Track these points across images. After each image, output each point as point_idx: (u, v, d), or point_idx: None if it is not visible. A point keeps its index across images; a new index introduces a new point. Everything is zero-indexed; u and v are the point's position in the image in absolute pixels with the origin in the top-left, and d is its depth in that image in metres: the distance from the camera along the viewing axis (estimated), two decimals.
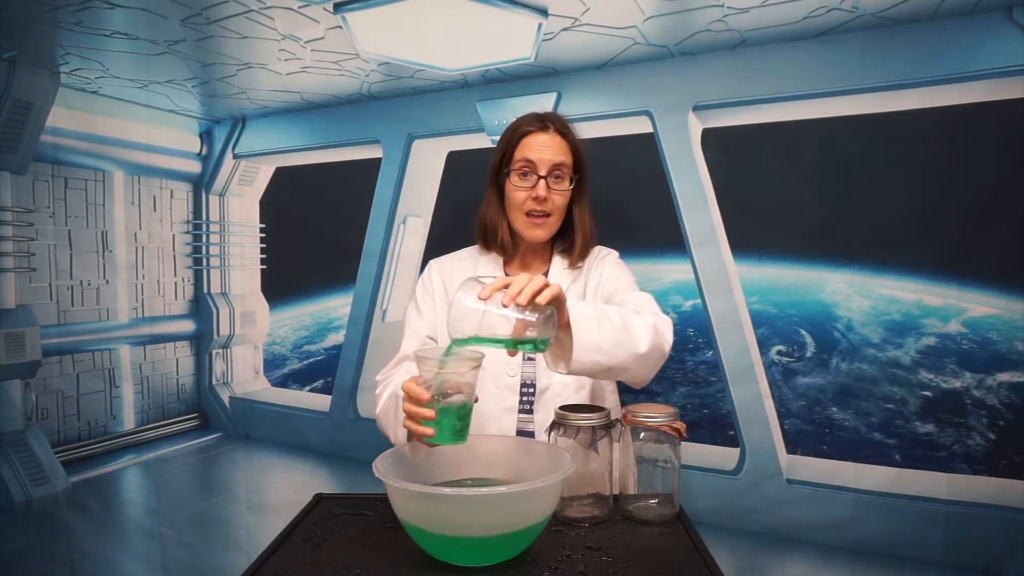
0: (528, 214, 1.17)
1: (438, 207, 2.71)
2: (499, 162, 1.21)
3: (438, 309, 1.23)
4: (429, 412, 0.87)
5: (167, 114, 3.01)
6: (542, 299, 0.85)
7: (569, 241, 1.26)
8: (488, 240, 1.25)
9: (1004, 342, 1.82)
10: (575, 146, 1.21)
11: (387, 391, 1.09)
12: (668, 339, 1.04)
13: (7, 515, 2.34)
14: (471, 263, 1.27)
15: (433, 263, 1.30)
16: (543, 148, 1.16)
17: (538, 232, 1.19)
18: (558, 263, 1.26)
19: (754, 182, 2.10)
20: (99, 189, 2.94)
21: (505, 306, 0.85)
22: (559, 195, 1.17)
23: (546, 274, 1.25)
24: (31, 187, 2.66)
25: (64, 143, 2.67)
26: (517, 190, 1.17)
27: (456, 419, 0.89)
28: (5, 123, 2.34)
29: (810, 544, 1.99)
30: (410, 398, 0.89)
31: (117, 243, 3.00)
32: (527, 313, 0.86)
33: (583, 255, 1.25)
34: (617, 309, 1.01)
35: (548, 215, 1.17)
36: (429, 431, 0.88)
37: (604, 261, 1.27)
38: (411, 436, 1.04)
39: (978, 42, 1.77)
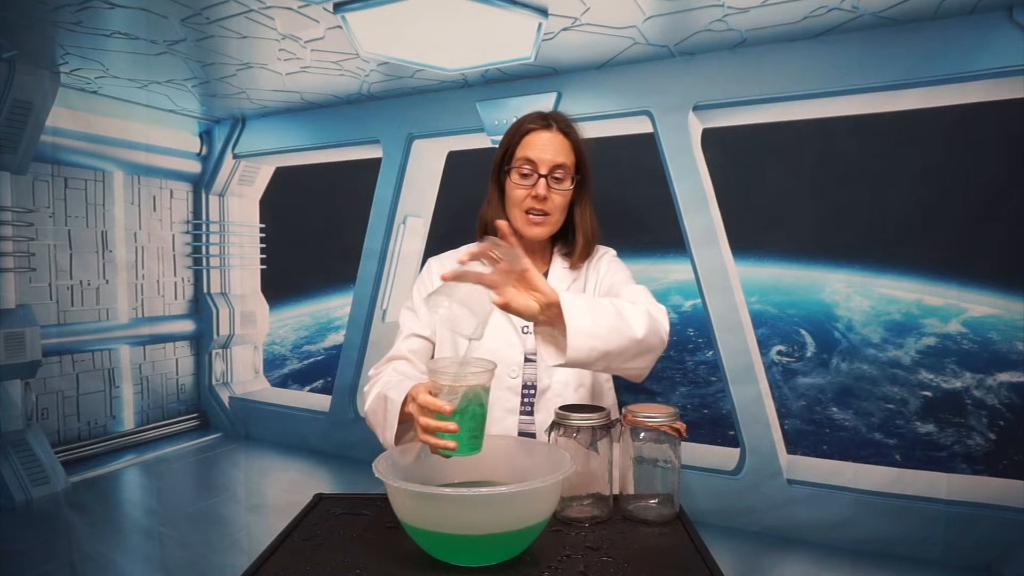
0: (528, 212, 1.17)
1: (438, 207, 2.71)
2: (501, 159, 1.21)
3: None
4: (453, 425, 0.86)
5: (167, 114, 3.01)
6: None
7: (571, 242, 1.25)
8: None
9: (1004, 342, 1.82)
10: (578, 146, 1.20)
11: (375, 390, 1.09)
12: (664, 326, 1.03)
13: (7, 515, 2.34)
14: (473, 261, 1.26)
15: (433, 261, 1.29)
16: (544, 147, 1.16)
17: (537, 230, 1.19)
18: (558, 263, 1.25)
19: (754, 182, 2.10)
20: (99, 189, 2.94)
21: (462, 263, 0.87)
22: (559, 195, 1.17)
23: (546, 274, 1.25)
24: (31, 187, 2.66)
25: (64, 143, 2.67)
26: (517, 188, 1.17)
27: (473, 427, 0.89)
28: (5, 123, 2.34)
29: (810, 544, 1.99)
30: (428, 411, 0.88)
31: (117, 243, 3.00)
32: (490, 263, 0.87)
33: (584, 256, 1.24)
34: (609, 299, 1.00)
35: (548, 214, 1.17)
36: (451, 444, 0.87)
37: (601, 260, 1.27)
38: (402, 438, 1.04)
39: (978, 42, 1.77)
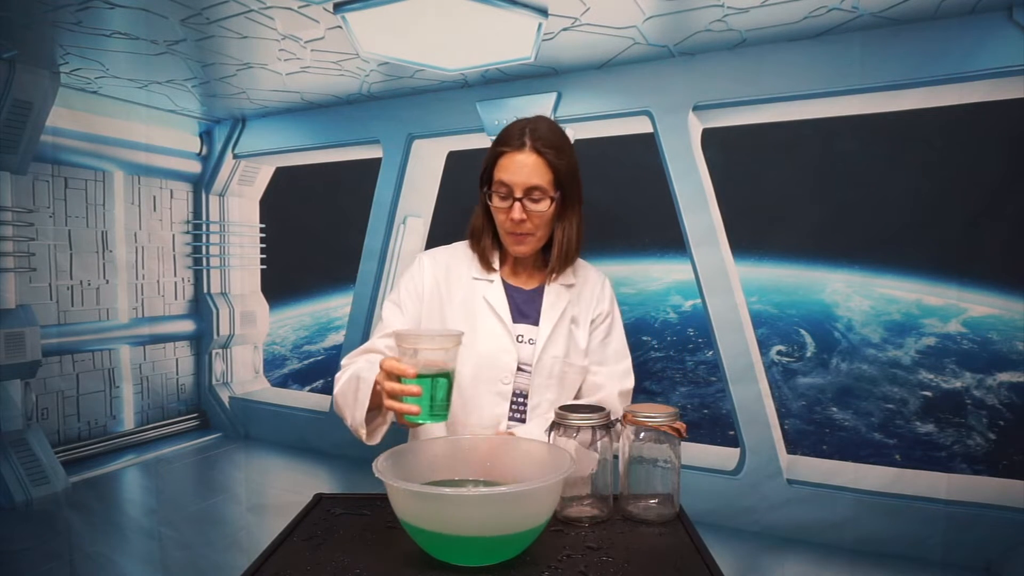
0: (511, 233, 1.18)
1: (438, 207, 2.71)
2: (482, 177, 1.21)
3: (425, 304, 1.22)
4: (415, 388, 0.88)
5: (167, 114, 3.01)
6: None
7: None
8: (477, 245, 1.25)
9: (1004, 342, 1.82)
10: (554, 164, 1.18)
11: (347, 374, 1.09)
12: None
13: (7, 515, 2.34)
14: (466, 259, 1.26)
15: (425, 256, 1.28)
16: (517, 170, 1.14)
17: (521, 249, 1.20)
18: (552, 281, 1.25)
19: (754, 182, 2.10)
20: (99, 189, 2.94)
21: None
22: (537, 215, 1.17)
23: (541, 289, 1.24)
24: (31, 187, 2.66)
25: (64, 143, 2.67)
26: (498, 212, 1.17)
27: (437, 394, 0.90)
28: (5, 123, 2.34)
29: (810, 544, 1.99)
30: (392, 376, 0.89)
31: (117, 243, 3.00)
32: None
33: (559, 269, 1.24)
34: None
35: (530, 233, 1.17)
36: (414, 408, 0.88)
37: (604, 291, 1.27)
38: (371, 420, 1.04)
39: (978, 42, 1.77)
